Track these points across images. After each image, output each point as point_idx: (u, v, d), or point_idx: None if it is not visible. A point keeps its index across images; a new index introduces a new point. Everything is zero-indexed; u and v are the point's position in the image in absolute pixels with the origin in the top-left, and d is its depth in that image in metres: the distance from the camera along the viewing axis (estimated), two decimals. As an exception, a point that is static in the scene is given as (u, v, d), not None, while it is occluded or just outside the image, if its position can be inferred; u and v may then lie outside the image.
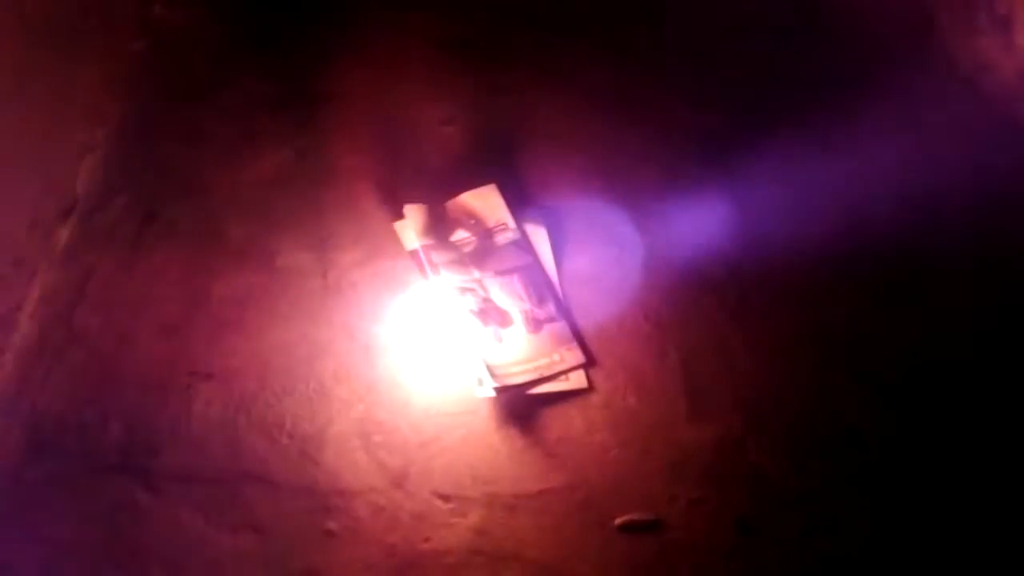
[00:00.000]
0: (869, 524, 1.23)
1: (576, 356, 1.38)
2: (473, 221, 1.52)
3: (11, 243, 1.40)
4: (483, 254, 1.49)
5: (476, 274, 1.47)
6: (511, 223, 1.51)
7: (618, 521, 1.24)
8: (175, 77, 1.76)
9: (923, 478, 1.26)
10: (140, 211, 1.56)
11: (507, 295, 1.45)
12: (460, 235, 1.50)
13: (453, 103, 1.66)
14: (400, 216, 1.52)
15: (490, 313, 1.43)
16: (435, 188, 1.54)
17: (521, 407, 1.35)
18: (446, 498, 1.27)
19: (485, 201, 1.53)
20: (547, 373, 1.37)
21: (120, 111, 1.67)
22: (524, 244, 1.50)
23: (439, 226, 1.51)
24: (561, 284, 1.47)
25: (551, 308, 1.43)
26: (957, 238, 1.48)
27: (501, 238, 1.50)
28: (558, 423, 1.34)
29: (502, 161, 1.58)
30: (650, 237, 1.50)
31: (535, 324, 1.42)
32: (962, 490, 1.25)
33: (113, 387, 1.37)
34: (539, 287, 1.45)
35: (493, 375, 1.36)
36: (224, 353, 1.40)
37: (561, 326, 1.42)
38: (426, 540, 1.23)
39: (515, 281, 1.46)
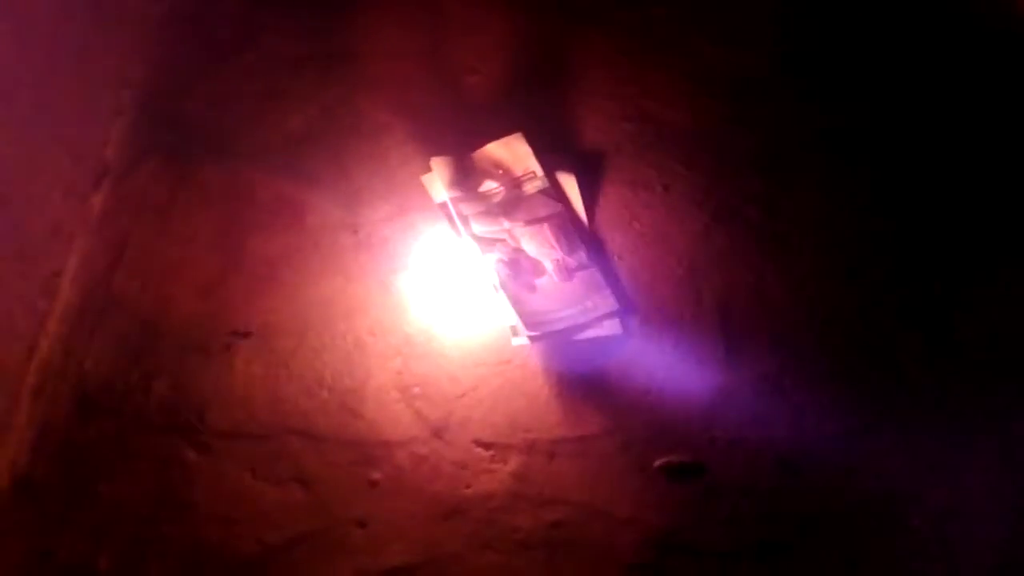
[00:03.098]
0: (909, 461, 1.22)
1: (609, 303, 1.38)
2: (501, 171, 1.50)
3: (48, 211, 1.42)
4: (512, 204, 1.48)
5: (506, 224, 1.46)
6: (539, 171, 1.49)
7: (657, 463, 1.25)
8: (199, 38, 1.75)
9: (963, 412, 1.25)
10: (171, 173, 1.57)
11: (538, 244, 1.44)
12: (488, 186, 1.50)
13: (478, 52, 1.64)
14: (428, 169, 1.51)
15: (521, 263, 1.43)
16: (462, 139, 1.53)
17: (556, 355, 1.36)
18: (486, 446, 1.29)
19: (512, 150, 1.51)
20: (581, 320, 1.37)
21: (145, 75, 1.67)
22: (553, 192, 1.49)
23: (467, 178, 1.50)
24: (592, 231, 1.46)
25: (582, 256, 1.43)
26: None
27: (530, 187, 1.49)
28: (594, 370, 1.34)
29: (529, 109, 1.56)
30: (681, 180, 1.48)
31: (567, 272, 1.42)
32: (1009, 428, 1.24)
33: (155, 348, 1.40)
34: (570, 235, 1.45)
35: (527, 324, 1.36)
36: (261, 311, 1.42)
37: (593, 273, 1.41)
38: (468, 487, 1.25)
39: (545, 230, 1.45)
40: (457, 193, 1.48)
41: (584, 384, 1.33)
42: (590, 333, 1.37)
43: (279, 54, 1.69)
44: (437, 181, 1.50)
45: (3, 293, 1.30)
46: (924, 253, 1.38)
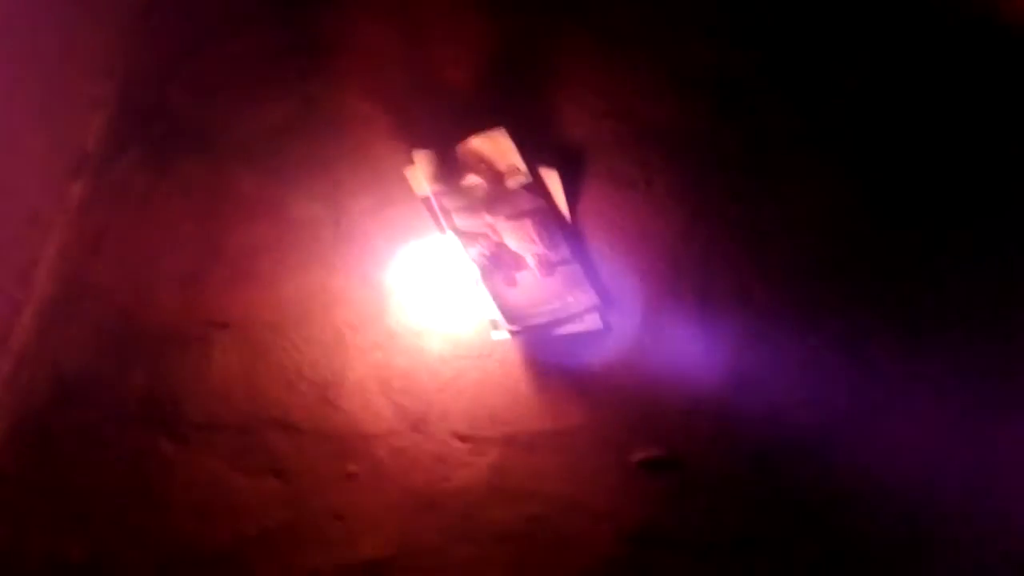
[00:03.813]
0: (885, 455, 1.23)
1: (590, 298, 1.38)
2: (484, 165, 1.50)
3: (25, 199, 1.41)
4: (495, 198, 1.48)
5: (488, 219, 1.46)
6: (522, 166, 1.49)
7: (636, 457, 1.25)
8: (181, 29, 1.74)
9: (939, 409, 1.26)
10: (151, 164, 1.55)
11: (520, 239, 1.44)
12: (471, 180, 1.49)
13: (463, 46, 1.64)
14: (411, 162, 1.51)
15: (503, 257, 1.43)
16: (445, 133, 1.53)
17: (536, 349, 1.36)
18: (465, 439, 1.28)
19: (495, 145, 1.51)
20: (561, 315, 1.37)
21: (127, 65, 1.66)
22: (536, 187, 1.49)
23: (450, 171, 1.50)
24: (574, 226, 1.46)
25: (564, 251, 1.43)
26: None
27: (512, 182, 1.49)
28: (574, 364, 1.34)
29: (513, 104, 1.57)
30: (664, 177, 1.48)
31: (548, 267, 1.42)
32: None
33: (133, 339, 1.39)
34: (552, 230, 1.45)
35: (508, 318, 1.36)
36: (240, 303, 1.41)
37: (575, 268, 1.41)
38: (446, 480, 1.25)
39: (528, 225, 1.45)
40: (439, 187, 1.48)
41: (564, 378, 1.33)
42: (570, 328, 1.37)
43: (262, 45, 1.68)
44: (420, 175, 1.50)
45: (-23, 279, 1.29)
46: (904, 253, 1.39)
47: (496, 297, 1.38)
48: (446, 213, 1.46)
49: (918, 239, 1.40)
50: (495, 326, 1.37)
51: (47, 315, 1.40)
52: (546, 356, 1.35)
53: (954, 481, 1.21)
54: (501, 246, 1.44)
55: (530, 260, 1.42)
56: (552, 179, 1.49)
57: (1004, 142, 1.48)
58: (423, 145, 1.52)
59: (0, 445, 1.30)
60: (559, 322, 1.37)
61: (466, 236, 1.44)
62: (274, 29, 1.71)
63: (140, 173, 1.55)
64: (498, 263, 1.42)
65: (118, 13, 1.69)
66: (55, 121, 1.52)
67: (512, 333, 1.36)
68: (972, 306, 1.34)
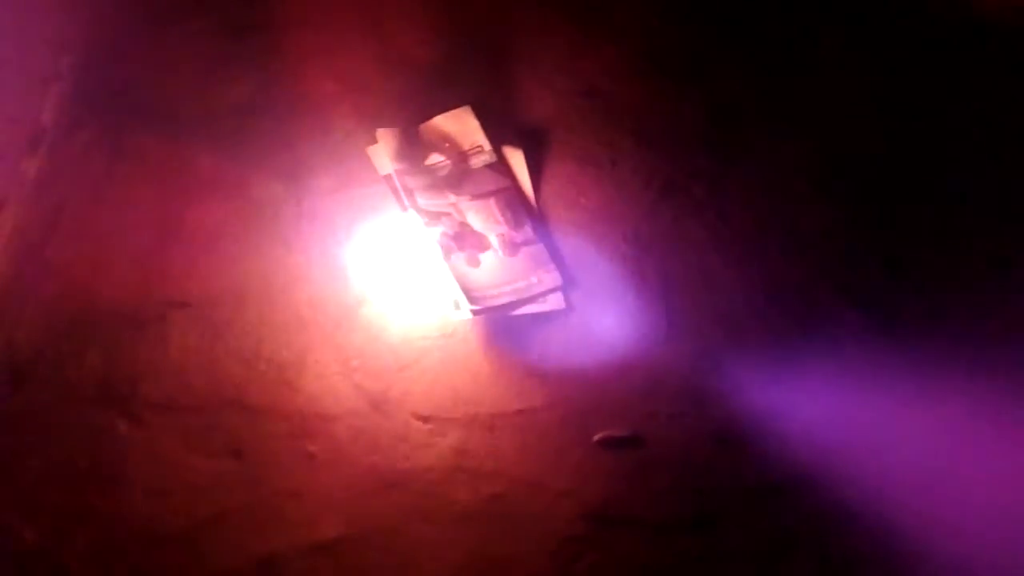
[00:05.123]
0: (842, 436, 1.24)
1: (554, 278, 1.38)
2: (448, 144, 1.49)
3: (-24, 175, 1.38)
4: (459, 178, 1.47)
5: (452, 198, 1.45)
6: (487, 145, 1.48)
7: (596, 437, 1.25)
8: (142, 3, 1.70)
9: (898, 388, 1.27)
10: (109, 141, 1.53)
11: (484, 219, 1.43)
12: (435, 159, 1.48)
13: (427, 24, 1.62)
14: (373, 141, 1.49)
15: (466, 237, 1.42)
16: (409, 111, 1.51)
17: (499, 329, 1.35)
18: (425, 419, 1.28)
19: (460, 124, 1.50)
20: (525, 295, 1.36)
21: (84, 39, 1.62)
22: (501, 167, 1.47)
23: (413, 150, 1.48)
24: (539, 206, 1.45)
25: (528, 231, 1.42)
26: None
27: (477, 161, 1.48)
28: (536, 344, 1.34)
29: (478, 82, 1.55)
30: (629, 156, 1.48)
31: (512, 247, 1.41)
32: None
33: (89, 318, 1.37)
34: (516, 210, 1.44)
35: (470, 298, 1.35)
36: (199, 282, 1.39)
37: (539, 248, 1.40)
38: (406, 459, 1.24)
39: (492, 204, 1.44)
40: (403, 165, 1.46)
41: (526, 358, 1.33)
42: (534, 308, 1.36)
43: (224, 22, 1.65)
44: (382, 153, 1.48)
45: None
46: (866, 233, 1.40)
47: (459, 277, 1.37)
48: (409, 192, 1.44)
49: (882, 215, 1.40)
50: (457, 306, 1.36)
51: (2, 294, 1.38)
52: (509, 336, 1.34)
53: (909, 461, 1.22)
54: (464, 225, 1.43)
55: (494, 240, 1.41)
56: (517, 159, 1.48)
57: (971, 118, 1.48)
58: (386, 124, 1.50)
59: (-48, 426, 1.28)
60: (522, 302, 1.36)
61: (429, 215, 1.42)
62: (235, 6, 1.68)
63: (97, 150, 1.52)
64: (461, 243, 1.41)
65: (75, -13, 1.65)
66: (9, 96, 1.49)
67: (475, 313, 1.35)
68: (937, 289, 1.34)
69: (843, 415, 1.25)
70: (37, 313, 1.37)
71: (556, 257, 1.40)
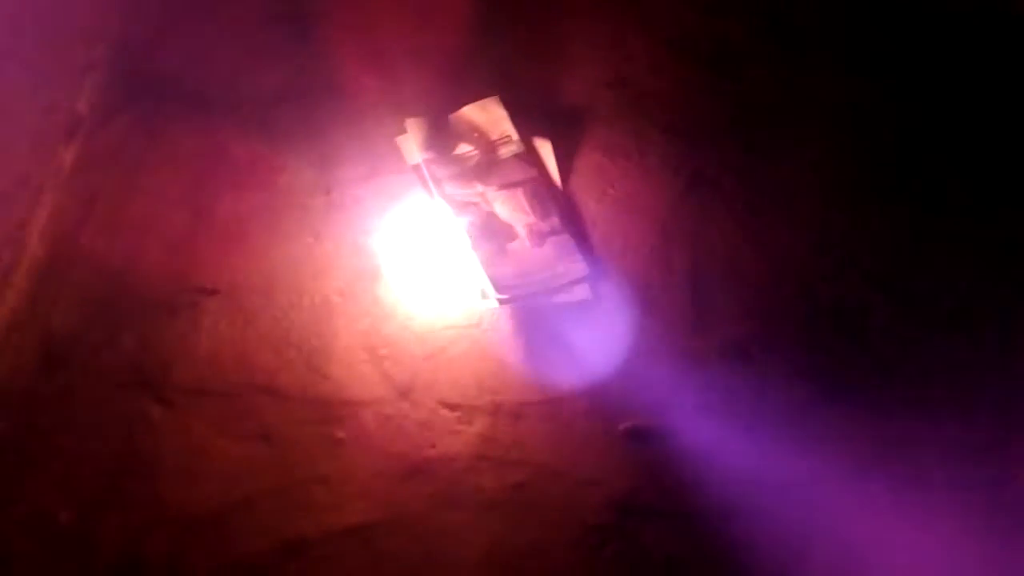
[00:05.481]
0: (870, 432, 1.23)
1: (580, 268, 1.38)
2: (476, 134, 1.49)
3: (14, 161, 1.40)
4: (487, 168, 1.47)
5: (480, 188, 1.45)
6: (515, 135, 1.48)
7: (622, 427, 1.25)
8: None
9: (926, 381, 1.26)
10: (144, 129, 1.54)
11: (511, 209, 1.44)
12: (463, 148, 1.48)
13: (456, 14, 1.62)
14: (402, 131, 1.50)
15: (494, 227, 1.42)
16: (438, 101, 1.52)
17: (526, 319, 1.35)
18: (452, 407, 1.28)
19: (488, 113, 1.50)
20: (551, 285, 1.37)
21: (120, 29, 1.64)
22: (528, 157, 1.48)
23: (441, 140, 1.49)
24: (566, 197, 1.45)
25: (555, 221, 1.42)
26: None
27: (505, 151, 1.48)
28: (563, 334, 1.34)
29: (507, 72, 1.55)
30: (657, 147, 1.47)
31: (539, 237, 1.41)
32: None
33: (122, 304, 1.39)
34: (543, 200, 1.44)
35: (497, 287, 1.35)
36: (230, 270, 1.41)
37: (565, 239, 1.40)
38: (432, 447, 1.25)
39: (519, 194, 1.44)
40: (431, 155, 1.47)
41: (552, 348, 1.33)
42: (560, 298, 1.37)
43: (256, 11, 1.67)
44: (411, 143, 1.49)
45: (-35, 241, 1.29)
46: (895, 228, 1.38)
47: (486, 266, 1.38)
48: (437, 181, 1.45)
49: (916, 211, 1.38)
50: (484, 295, 1.37)
51: (37, 279, 1.40)
52: (535, 326, 1.35)
53: (939, 458, 1.21)
54: (492, 215, 1.43)
55: (521, 230, 1.42)
56: (545, 149, 1.48)
57: (999, 112, 1.46)
58: (415, 113, 1.51)
59: (-10, 407, 1.31)
60: (549, 292, 1.37)
61: (457, 205, 1.43)
62: (268, -4, 1.70)
63: (132, 138, 1.54)
64: (489, 232, 1.41)
65: (111, -23, 1.67)
66: (48, 85, 1.52)
67: (501, 302, 1.35)
68: (970, 291, 1.33)
69: (870, 409, 1.24)
70: (72, 298, 1.39)
71: (583, 247, 1.40)
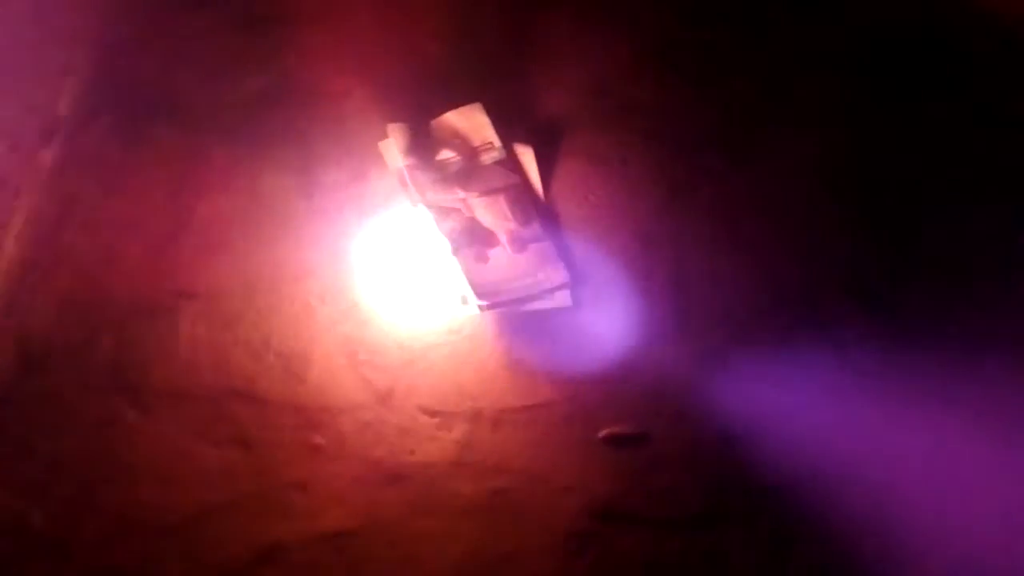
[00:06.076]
0: (848, 437, 1.24)
1: (561, 275, 1.38)
2: (458, 140, 1.49)
3: (-8, 163, 1.39)
4: (468, 174, 1.47)
5: (461, 194, 1.45)
6: (497, 142, 1.48)
7: (602, 434, 1.25)
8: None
9: (903, 390, 1.27)
10: (123, 132, 1.53)
11: (492, 215, 1.44)
12: (445, 155, 1.48)
13: (439, 20, 1.62)
14: (384, 136, 1.50)
15: (475, 232, 1.42)
16: (421, 107, 1.52)
17: (506, 326, 1.36)
18: (431, 413, 1.28)
19: (470, 120, 1.50)
20: (532, 292, 1.37)
21: (100, 31, 1.63)
22: (510, 164, 1.48)
23: (424, 145, 1.49)
24: (548, 204, 1.45)
25: (537, 228, 1.42)
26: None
27: (487, 157, 1.48)
28: (543, 341, 1.34)
29: (489, 79, 1.55)
30: (639, 155, 1.48)
31: (520, 244, 1.41)
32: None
33: (100, 307, 1.38)
34: (525, 207, 1.44)
35: (478, 294, 1.35)
36: (210, 273, 1.40)
37: (547, 245, 1.41)
38: (411, 453, 1.25)
39: (501, 201, 1.45)
40: (413, 160, 1.47)
41: (532, 355, 1.33)
42: (541, 304, 1.37)
43: (238, 14, 1.66)
44: (394, 148, 1.48)
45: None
46: (875, 236, 1.39)
47: (467, 272, 1.38)
48: (419, 187, 1.45)
49: (898, 221, 1.40)
50: (465, 301, 1.37)
51: (14, 280, 1.39)
52: (515, 332, 1.35)
53: (912, 464, 1.22)
54: (473, 221, 1.43)
55: (502, 236, 1.42)
56: (527, 156, 1.49)
57: (985, 119, 1.48)
58: (397, 119, 1.50)
59: (-36, 411, 1.29)
60: (529, 298, 1.37)
61: (438, 210, 1.43)
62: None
63: (111, 141, 1.53)
64: (470, 238, 1.41)
65: (92, -22, 1.66)
66: (26, 86, 1.51)
67: (482, 308, 1.35)
68: (949, 296, 1.34)
69: (847, 417, 1.25)
70: (50, 301, 1.38)
71: (564, 254, 1.40)
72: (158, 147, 1.52)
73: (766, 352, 1.30)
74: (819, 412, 1.25)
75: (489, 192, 1.45)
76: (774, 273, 1.37)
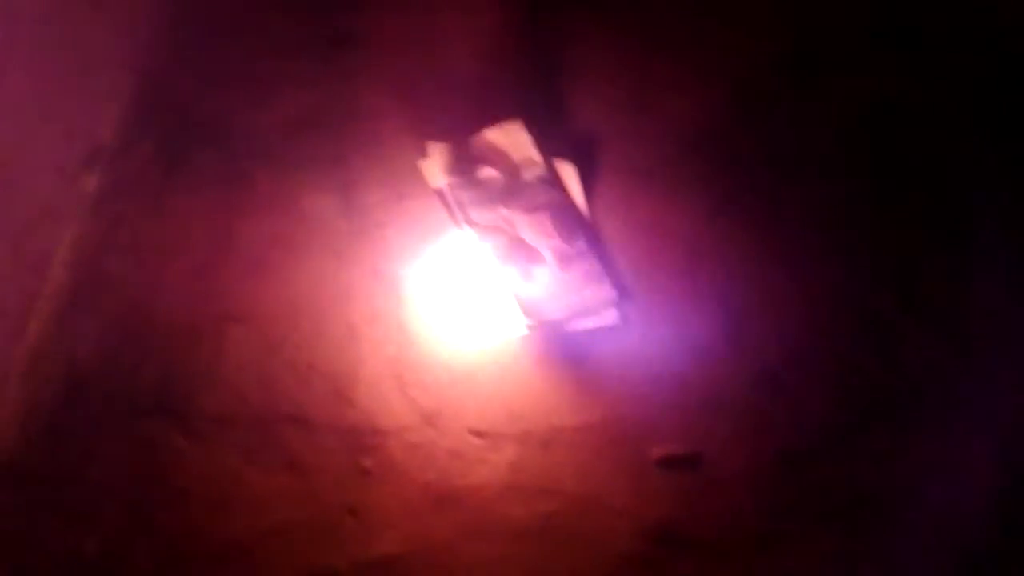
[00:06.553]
0: (908, 455, 1.21)
1: (607, 292, 1.36)
2: (499, 158, 1.48)
3: (39, 190, 1.40)
4: (511, 191, 1.46)
5: (504, 211, 1.44)
6: (538, 159, 1.47)
7: (654, 455, 1.23)
8: (198, 20, 1.72)
9: (964, 408, 1.24)
10: (165, 156, 1.54)
11: (536, 232, 1.42)
12: (486, 173, 1.48)
13: (478, 39, 1.62)
14: (425, 155, 1.49)
15: (519, 251, 1.41)
16: (461, 125, 1.51)
17: (553, 344, 1.34)
18: (480, 435, 1.27)
19: (511, 137, 1.49)
20: (579, 310, 1.35)
21: (143, 56, 1.65)
22: (553, 180, 1.47)
23: (464, 164, 1.48)
24: (591, 220, 1.44)
25: (581, 244, 1.41)
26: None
27: (528, 174, 1.47)
28: (591, 359, 1.32)
29: (530, 96, 1.54)
30: (683, 170, 1.46)
31: (566, 261, 1.40)
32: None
33: (146, 332, 1.38)
34: (569, 223, 1.43)
35: (524, 313, 1.34)
36: (254, 296, 1.40)
37: (592, 262, 1.39)
38: (461, 475, 1.23)
39: (544, 218, 1.43)
40: (454, 179, 1.46)
41: (581, 374, 1.31)
42: (588, 322, 1.35)
43: (279, 38, 1.67)
44: (434, 167, 1.48)
45: (-8, 271, 1.28)
46: (929, 248, 1.37)
47: (512, 291, 1.36)
48: (461, 206, 1.44)
49: (949, 232, 1.37)
50: (511, 320, 1.35)
51: (61, 307, 1.40)
52: (563, 351, 1.33)
53: (977, 482, 1.19)
54: (517, 239, 1.42)
55: (547, 254, 1.40)
56: (568, 172, 1.47)
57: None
58: (438, 138, 1.50)
59: (13, 437, 1.30)
60: (576, 316, 1.35)
61: (482, 229, 1.42)
62: (289, 23, 1.70)
63: (154, 165, 1.54)
64: (514, 257, 1.40)
65: (134, 4, 1.67)
66: (69, 112, 1.51)
67: (528, 327, 1.34)
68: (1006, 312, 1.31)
69: (908, 435, 1.22)
70: (96, 326, 1.38)
71: (610, 271, 1.39)
72: (200, 171, 1.53)
73: (821, 368, 1.27)
74: (877, 431, 1.22)
75: (532, 209, 1.44)
76: (827, 288, 1.34)
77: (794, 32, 1.57)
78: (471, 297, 1.39)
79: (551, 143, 1.49)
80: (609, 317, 1.35)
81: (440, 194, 1.47)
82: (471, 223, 1.42)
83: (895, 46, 1.56)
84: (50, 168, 1.44)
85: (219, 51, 1.66)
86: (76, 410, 1.32)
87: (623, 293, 1.36)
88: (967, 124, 1.47)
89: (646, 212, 1.44)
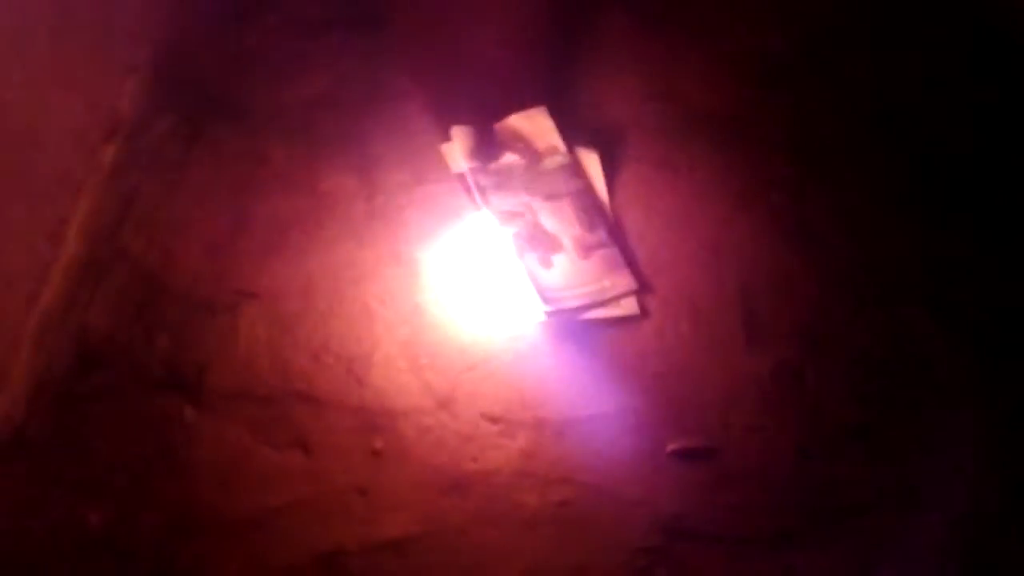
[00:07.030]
0: (928, 455, 1.19)
1: (627, 282, 1.34)
2: (522, 144, 1.47)
3: (57, 157, 1.38)
4: (532, 178, 1.45)
5: (525, 198, 1.43)
6: (562, 146, 1.46)
7: (670, 448, 1.21)
8: (218, -1, 1.72)
9: (987, 408, 1.22)
10: (185, 132, 1.53)
11: (557, 220, 1.41)
12: (509, 158, 1.46)
13: (504, 24, 1.61)
14: (447, 138, 1.48)
15: (539, 238, 1.39)
16: (484, 110, 1.50)
17: (571, 333, 1.32)
18: (494, 420, 1.25)
19: (535, 124, 1.48)
20: (597, 299, 1.34)
21: (164, 32, 1.64)
22: (575, 168, 1.45)
23: (487, 149, 1.47)
24: (613, 210, 1.42)
25: (602, 234, 1.39)
26: None
27: (551, 162, 1.46)
28: (609, 349, 1.31)
29: (554, 83, 1.53)
30: (706, 162, 1.45)
31: (585, 250, 1.38)
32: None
33: (159, 305, 1.37)
34: (590, 212, 1.41)
35: (542, 299, 1.32)
36: (269, 274, 1.39)
37: (612, 252, 1.38)
38: (473, 460, 1.21)
39: (566, 206, 1.42)
40: (476, 164, 1.45)
41: (597, 363, 1.30)
42: (606, 312, 1.33)
43: (301, 17, 1.67)
44: (456, 151, 1.47)
45: (6, 234, 1.26)
46: (952, 245, 1.35)
47: (531, 278, 1.35)
48: (482, 191, 1.42)
49: (975, 229, 1.35)
50: (529, 307, 1.34)
51: (75, 276, 1.38)
52: (580, 340, 1.32)
53: (999, 484, 1.17)
54: (537, 226, 1.40)
55: (567, 242, 1.39)
56: (592, 161, 1.46)
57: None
58: (460, 122, 1.49)
59: (23, 406, 1.28)
60: (595, 305, 1.33)
61: (502, 214, 1.40)
62: (314, 2, 1.69)
63: (173, 139, 1.53)
64: (534, 243, 1.39)
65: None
66: (90, 83, 1.50)
67: (546, 315, 1.32)
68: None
69: (928, 434, 1.20)
70: (109, 297, 1.37)
71: (630, 261, 1.37)
72: (219, 147, 1.52)
73: (842, 366, 1.25)
74: (897, 429, 1.20)
75: (554, 197, 1.43)
76: (848, 284, 1.32)
77: (821, 22, 1.55)
78: (489, 282, 1.37)
79: (575, 131, 1.48)
80: (628, 307, 1.33)
81: (461, 178, 1.45)
82: (492, 208, 1.41)
83: (927, 30, 1.54)
84: (70, 137, 1.43)
85: (242, 28, 1.65)
86: (86, 381, 1.30)
87: (643, 284, 1.35)
88: (994, 120, 1.45)
89: (668, 203, 1.42)
